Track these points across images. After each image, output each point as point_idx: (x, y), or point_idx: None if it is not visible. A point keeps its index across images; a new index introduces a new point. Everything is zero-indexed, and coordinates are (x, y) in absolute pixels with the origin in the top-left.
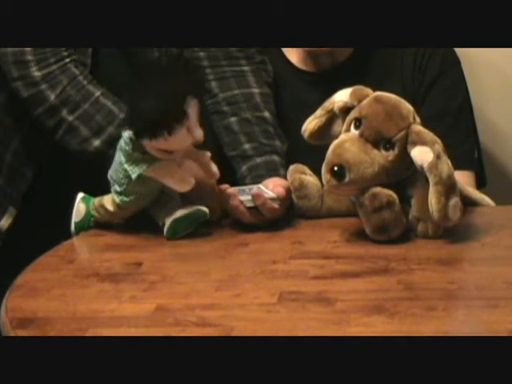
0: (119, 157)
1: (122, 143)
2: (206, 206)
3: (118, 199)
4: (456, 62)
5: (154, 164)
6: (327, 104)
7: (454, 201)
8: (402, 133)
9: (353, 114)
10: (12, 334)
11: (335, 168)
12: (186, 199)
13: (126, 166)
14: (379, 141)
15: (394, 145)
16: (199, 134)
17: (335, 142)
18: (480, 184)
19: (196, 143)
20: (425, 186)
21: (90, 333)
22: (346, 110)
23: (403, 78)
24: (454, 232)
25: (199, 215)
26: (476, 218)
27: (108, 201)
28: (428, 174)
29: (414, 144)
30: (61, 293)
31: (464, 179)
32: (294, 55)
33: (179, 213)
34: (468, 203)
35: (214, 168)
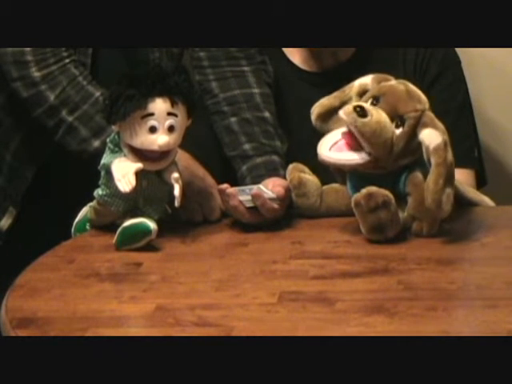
0: None
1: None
2: (206, 207)
3: (96, 193)
4: (456, 62)
5: (119, 157)
6: (346, 87)
7: (450, 191)
8: (416, 114)
9: (371, 93)
10: (12, 333)
11: (358, 108)
12: (185, 199)
13: (104, 155)
14: (393, 118)
15: (405, 122)
16: (161, 139)
17: None
18: (480, 183)
19: (160, 149)
20: (424, 185)
21: (90, 333)
22: (362, 93)
23: (405, 77)
24: (454, 232)
25: (143, 229)
26: (476, 217)
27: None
28: (432, 155)
29: (426, 125)
30: (61, 293)
31: (464, 177)
32: (295, 56)
33: (128, 222)
34: (468, 204)
35: (176, 192)
